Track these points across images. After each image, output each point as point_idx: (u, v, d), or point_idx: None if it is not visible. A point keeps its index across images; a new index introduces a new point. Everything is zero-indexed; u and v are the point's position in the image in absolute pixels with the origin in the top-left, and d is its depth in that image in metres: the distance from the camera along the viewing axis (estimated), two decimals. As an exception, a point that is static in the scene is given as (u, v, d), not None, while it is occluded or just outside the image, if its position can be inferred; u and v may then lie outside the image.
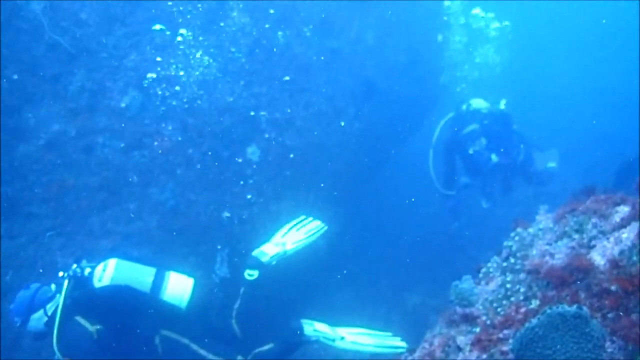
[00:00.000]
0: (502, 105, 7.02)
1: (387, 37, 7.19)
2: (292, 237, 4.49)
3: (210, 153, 5.49)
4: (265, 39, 5.81)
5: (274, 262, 4.24)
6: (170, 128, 5.32)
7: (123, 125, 5.10)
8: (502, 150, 6.62)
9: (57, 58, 4.84)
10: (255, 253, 4.28)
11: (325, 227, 4.67)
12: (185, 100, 5.40)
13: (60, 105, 4.89)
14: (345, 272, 6.90)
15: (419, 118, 8.73)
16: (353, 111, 6.72)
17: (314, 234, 4.58)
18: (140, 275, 3.80)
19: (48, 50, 4.79)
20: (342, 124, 6.55)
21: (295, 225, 4.62)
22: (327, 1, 6.34)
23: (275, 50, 5.86)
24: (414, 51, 7.74)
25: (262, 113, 5.71)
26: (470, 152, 6.65)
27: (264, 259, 4.20)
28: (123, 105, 5.08)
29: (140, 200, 5.22)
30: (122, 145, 5.12)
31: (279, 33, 5.87)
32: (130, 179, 5.16)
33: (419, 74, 7.93)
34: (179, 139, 5.34)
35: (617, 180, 6.40)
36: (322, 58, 6.26)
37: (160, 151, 5.26)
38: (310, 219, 4.73)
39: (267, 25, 5.79)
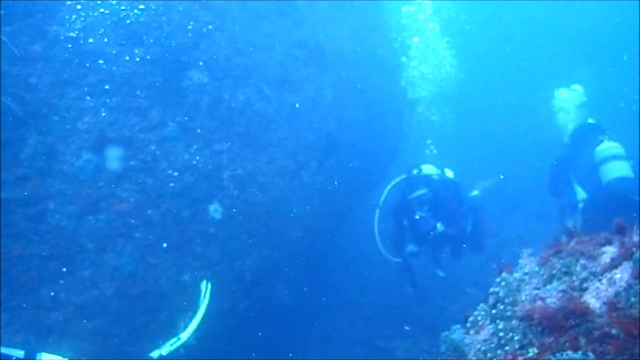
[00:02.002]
0: (450, 174, 6.93)
1: (346, 92, 7.33)
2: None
3: (170, 213, 5.26)
4: (224, 96, 5.77)
5: None
6: (127, 189, 5.09)
7: (76, 189, 4.84)
8: (448, 220, 6.38)
9: (6, 123, 4.60)
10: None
11: (210, 285, 4.67)
12: (142, 160, 5.22)
13: (7, 172, 4.60)
14: (314, 329, 6.63)
15: (381, 170, 8.80)
16: (315, 165, 6.70)
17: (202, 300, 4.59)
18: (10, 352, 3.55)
19: (-4, 115, 4.55)
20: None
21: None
22: (284, 59, 6.44)
23: (235, 107, 5.83)
24: (373, 105, 7.90)
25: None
26: (417, 217, 6.39)
27: None
28: (75, 168, 4.84)
29: (96, 267, 4.89)
30: (76, 210, 4.84)
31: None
32: (84, 246, 4.85)
33: (378, 127, 8.07)
34: (137, 200, 5.10)
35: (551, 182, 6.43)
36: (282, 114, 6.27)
37: (116, 214, 5.00)
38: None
39: (226, 83, 5.78)
